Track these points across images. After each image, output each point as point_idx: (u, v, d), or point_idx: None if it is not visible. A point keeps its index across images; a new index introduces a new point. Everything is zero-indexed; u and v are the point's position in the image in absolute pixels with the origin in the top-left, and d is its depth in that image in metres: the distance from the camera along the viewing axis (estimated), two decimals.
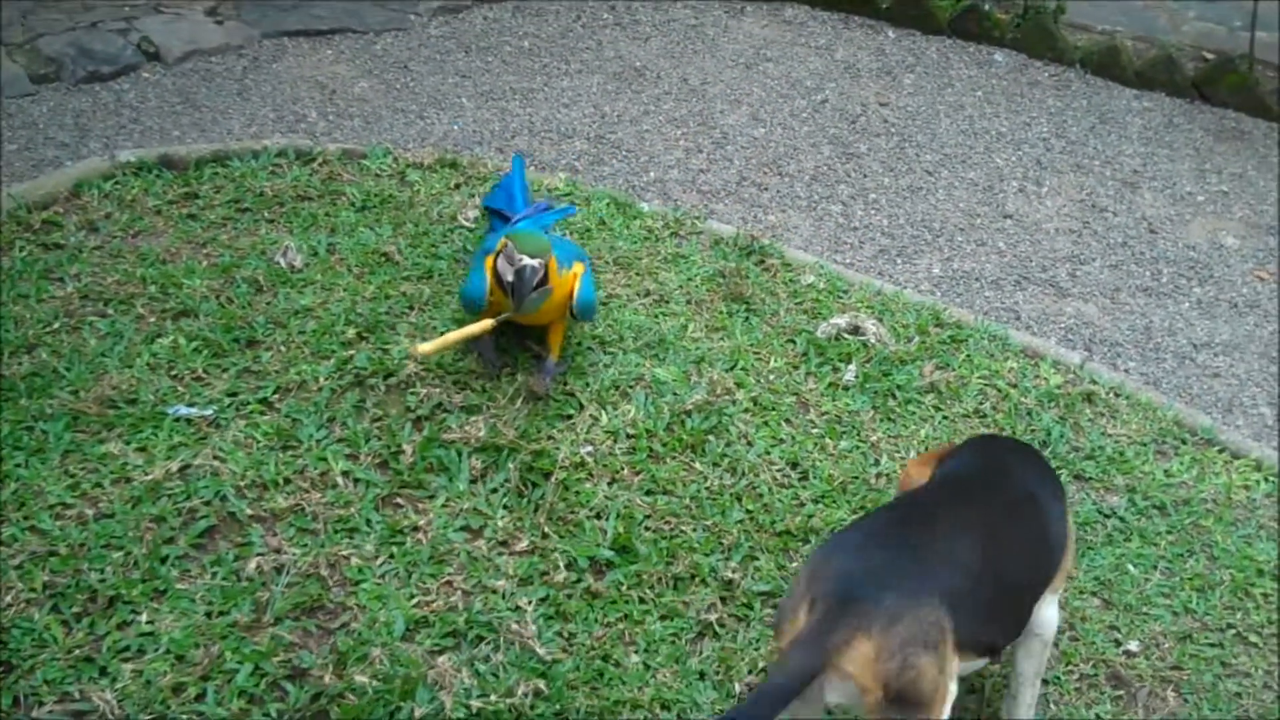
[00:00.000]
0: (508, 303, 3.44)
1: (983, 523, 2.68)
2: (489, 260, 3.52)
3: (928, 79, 6.92)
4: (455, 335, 3.43)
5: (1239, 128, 6.88)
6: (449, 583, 2.99)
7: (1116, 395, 4.17)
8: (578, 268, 3.59)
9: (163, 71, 5.78)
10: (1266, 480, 3.92)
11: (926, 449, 3.74)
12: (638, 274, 4.31)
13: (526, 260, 3.35)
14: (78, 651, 2.70)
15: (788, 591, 2.58)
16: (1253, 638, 3.34)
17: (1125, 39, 7.50)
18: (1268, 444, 4.29)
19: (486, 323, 3.47)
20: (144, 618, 2.78)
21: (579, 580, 3.07)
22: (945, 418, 3.85)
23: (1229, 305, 5.20)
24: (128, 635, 2.75)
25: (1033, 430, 3.88)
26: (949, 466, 2.91)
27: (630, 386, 3.70)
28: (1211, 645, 3.29)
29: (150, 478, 3.11)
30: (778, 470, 3.54)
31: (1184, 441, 4.01)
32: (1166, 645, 3.26)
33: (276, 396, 3.44)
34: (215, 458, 3.21)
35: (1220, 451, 4.03)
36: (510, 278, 3.37)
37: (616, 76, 6.34)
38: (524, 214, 3.90)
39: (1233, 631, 3.35)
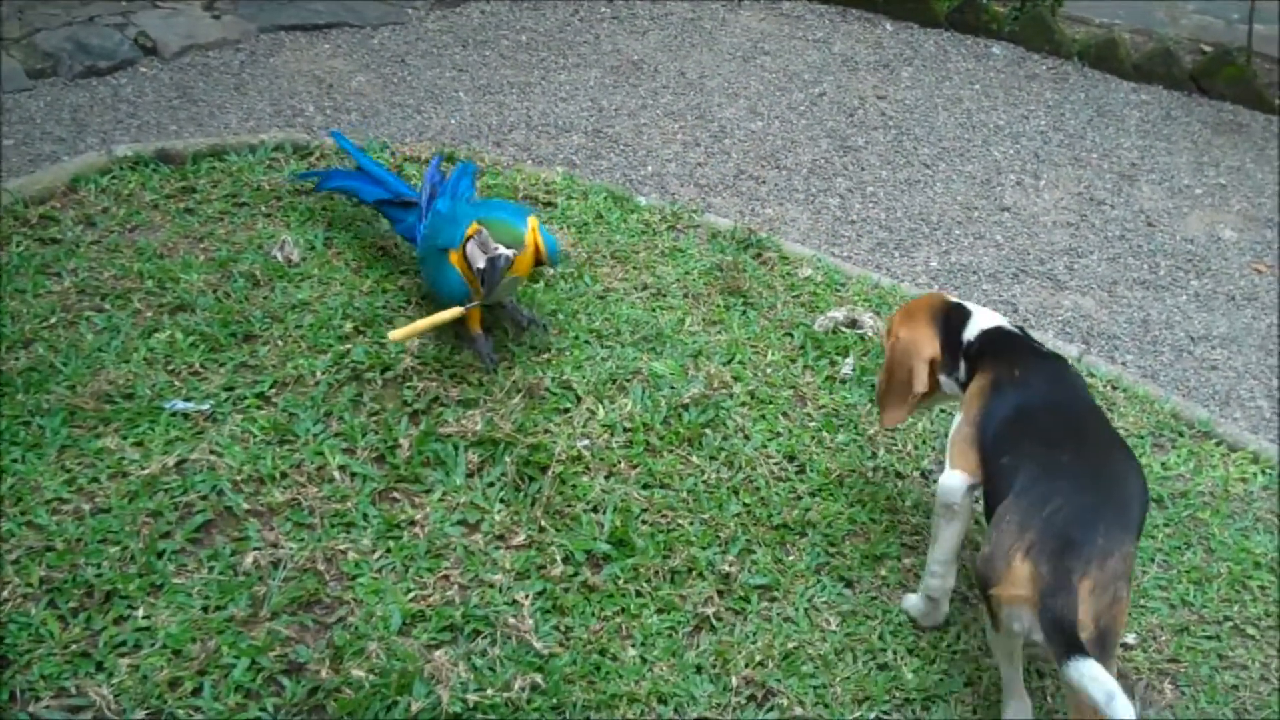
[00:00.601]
0: (476, 289, 3.49)
1: (1113, 458, 2.94)
2: (454, 255, 3.53)
3: (925, 72, 6.92)
4: (426, 322, 3.46)
5: (1237, 120, 6.88)
6: (445, 577, 2.99)
7: (1114, 388, 4.17)
8: (531, 222, 3.61)
9: (160, 66, 5.78)
10: (1264, 473, 3.92)
11: (924, 440, 3.74)
12: (635, 268, 4.31)
13: (501, 250, 3.40)
14: (74, 646, 2.70)
15: (987, 545, 2.72)
16: (1250, 630, 3.34)
17: (1123, 32, 7.50)
18: (1265, 436, 4.29)
19: (455, 310, 3.52)
20: (140, 612, 2.78)
21: (576, 574, 3.07)
22: (943, 411, 3.85)
23: (1226, 298, 5.20)
24: (124, 630, 2.75)
25: None
26: (1036, 393, 3.06)
27: (627, 380, 3.70)
28: (1209, 638, 3.29)
29: (147, 472, 3.10)
30: (775, 463, 3.54)
31: (1181, 434, 4.01)
32: (1164, 638, 3.26)
33: (273, 391, 3.44)
34: (212, 452, 3.20)
35: (1218, 444, 4.03)
36: (482, 264, 3.40)
37: (614, 70, 6.34)
38: (427, 192, 3.91)
39: (1230, 624, 3.35)
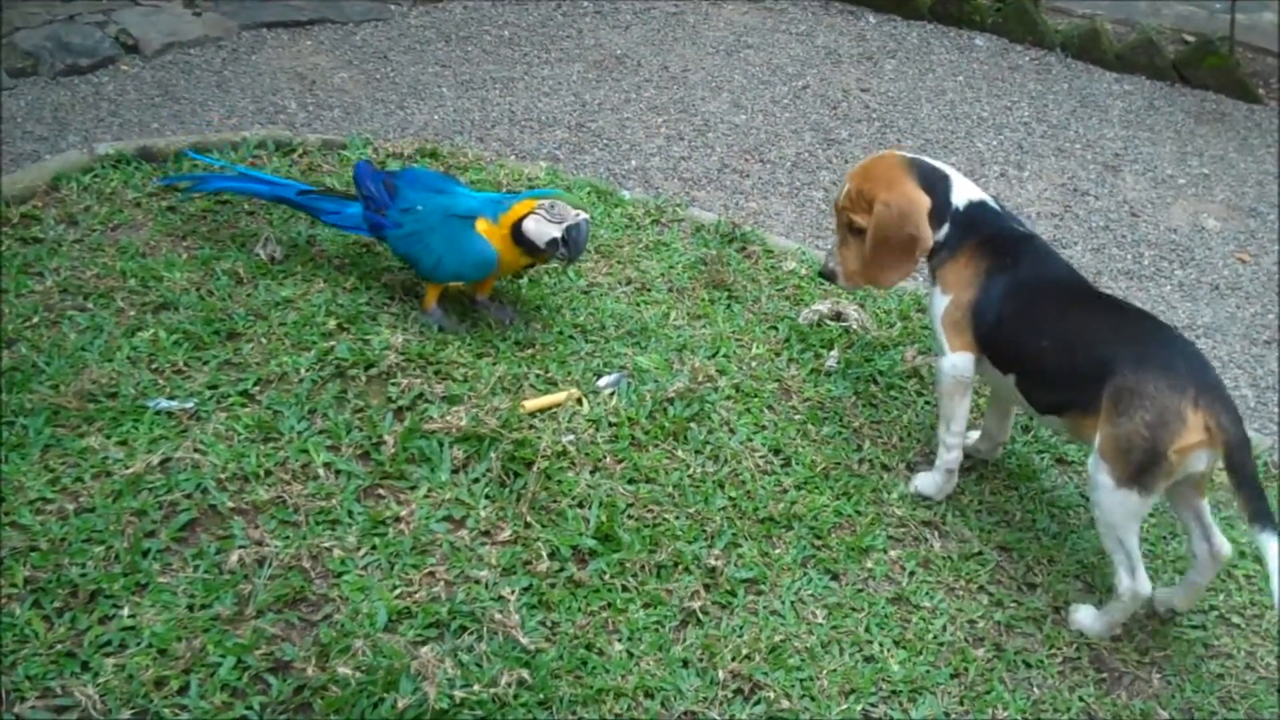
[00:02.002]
0: (520, 262, 3.75)
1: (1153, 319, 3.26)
2: (482, 224, 3.67)
3: (909, 64, 6.92)
4: (550, 399, 3.58)
5: (1219, 110, 6.90)
6: (431, 573, 2.99)
7: None
8: (517, 207, 3.72)
9: (141, 64, 5.78)
10: None
11: (909, 433, 3.74)
12: (619, 262, 4.31)
13: (581, 214, 3.65)
14: (59, 646, 2.68)
15: (1146, 407, 2.93)
16: (1235, 619, 3.35)
17: (1105, 22, 7.51)
18: (1250, 426, 4.29)
19: (573, 391, 3.62)
20: (125, 612, 2.77)
21: (562, 569, 3.06)
22: (928, 403, 3.85)
23: (1210, 288, 5.22)
24: (109, 630, 2.73)
25: (1017, 414, 3.88)
26: (1047, 276, 3.31)
27: (612, 374, 3.69)
28: (1194, 627, 3.30)
29: (131, 471, 3.09)
30: (760, 457, 3.54)
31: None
32: (1150, 627, 3.27)
33: (257, 388, 3.43)
34: (196, 450, 3.19)
35: None
36: (558, 233, 3.60)
37: (597, 65, 6.34)
38: (375, 185, 3.89)
39: (1215, 613, 3.36)
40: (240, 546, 2.96)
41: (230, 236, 4.06)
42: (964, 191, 3.39)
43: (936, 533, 3.43)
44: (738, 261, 4.43)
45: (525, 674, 2.75)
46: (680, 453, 3.48)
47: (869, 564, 3.27)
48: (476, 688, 2.70)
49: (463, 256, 3.68)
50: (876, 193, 3.32)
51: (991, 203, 3.40)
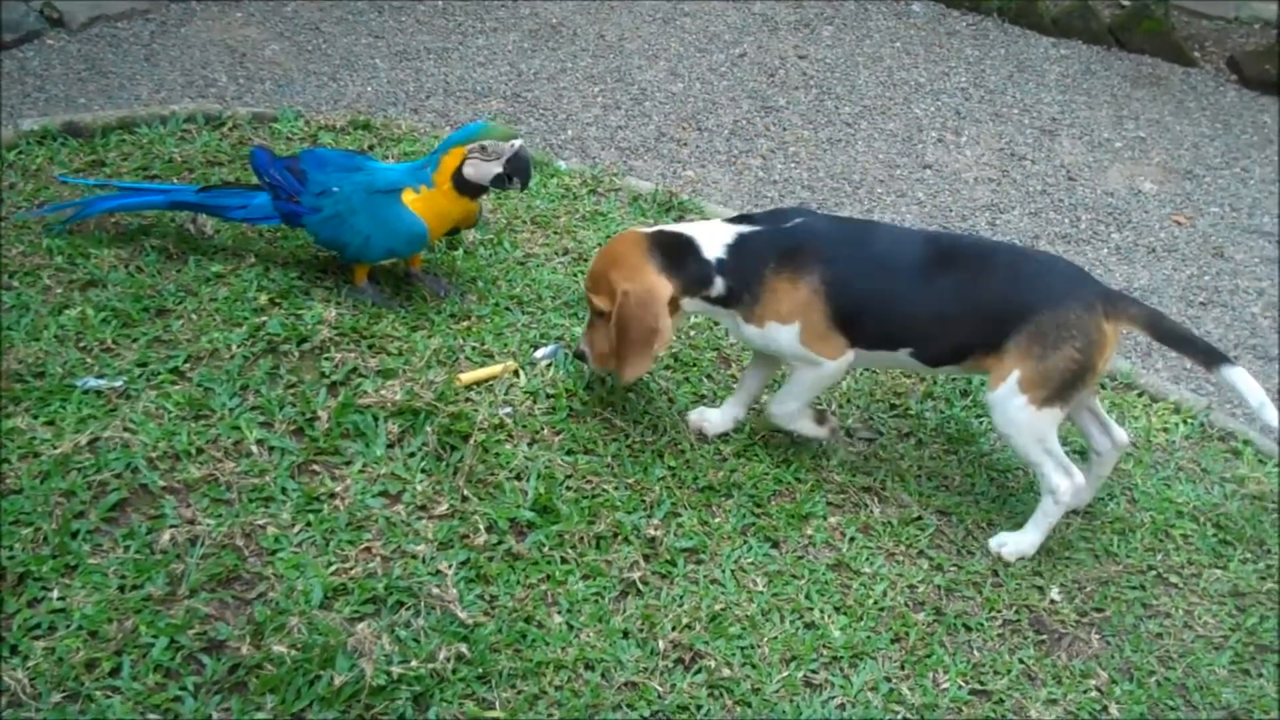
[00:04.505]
0: (473, 207, 3.72)
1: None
2: (409, 194, 3.61)
3: (846, 31, 6.91)
4: (486, 372, 3.53)
5: (1155, 74, 6.93)
6: (367, 549, 2.95)
7: None
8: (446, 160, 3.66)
9: (67, 38, 5.67)
10: (1185, 423, 3.96)
11: (849, 399, 3.74)
12: (556, 233, 4.27)
13: (515, 141, 3.58)
14: None
15: (1074, 335, 3.09)
16: (1173, 578, 3.37)
17: None
18: (1186, 387, 4.33)
19: (509, 364, 3.58)
20: (55, 594, 2.72)
21: (500, 542, 3.04)
22: (865, 370, 3.85)
23: (1147, 250, 5.24)
24: (38, 612, 2.69)
25: (952, 380, 3.88)
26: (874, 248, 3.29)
27: (549, 345, 3.67)
28: (1132, 588, 3.32)
29: (59, 451, 3.04)
30: None
31: (1103, 386, 4.03)
32: (1089, 589, 3.28)
33: (188, 365, 3.38)
34: (126, 429, 3.14)
35: (1140, 395, 4.06)
36: (499, 169, 3.58)
37: (532, 34, 6.29)
38: (277, 173, 3.77)
39: (1153, 573, 3.37)
40: (172, 526, 2.91)
41: (159, 211, 3.99)
42: (714, 240, 3.26)
43: (876, 498, 3.42)
44: None
45: (464, 648, 2.73)
46: (619, 422, 3.45)
47: (809, 531, 3.26)
48: (414, 663, 2.67)
49: (393, 232, 3.62)
50: (618, 280, 3.23)
51: (747, 228, 3.28)
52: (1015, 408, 3.14)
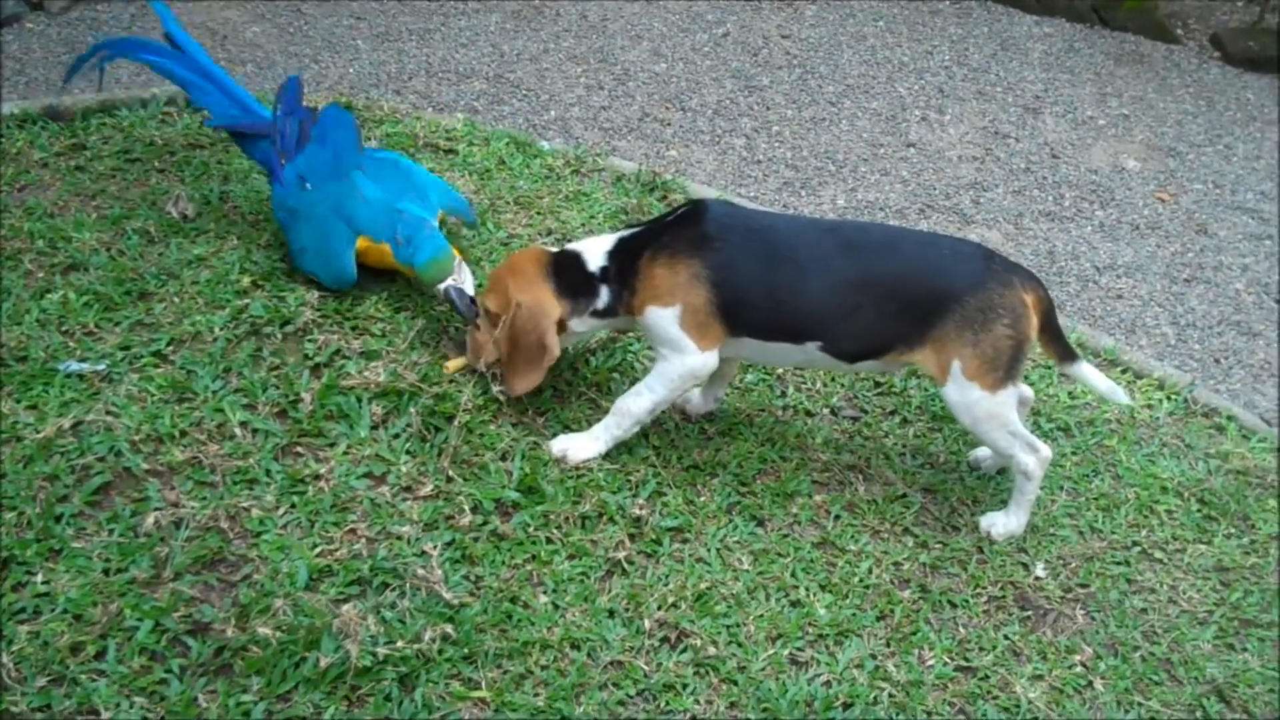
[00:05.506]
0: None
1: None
2: (363, 242, 3.55)
3: (829, 9, 6.90)
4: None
5: (1138, 51, 6.93)
6: (352, 530, 2.95)
7: None
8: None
9: (47, 21, 5.64)
10: (1169, 399, 3.96)
11: (834, 378, 3.74)
12: (539, 213, 4.26)
13: (445, 283, 3.48)
14: None
15: (1000, 313, 3.09)
16: (1157, 554, 3.38)
17: None
18: (1170, 363, 4.34)
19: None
20: (40, 578, 2.72)
21: (485, 523, 3.03)
22: None
23: (1130, 227, 5.25)
24: (23, 597, 2.68)
25: None
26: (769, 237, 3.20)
27: None
28: (1117, 563, 3.33)
29: (42, 436, 3.03)
30: None
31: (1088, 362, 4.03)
32: (1073, 565, 3.29)
33: (171, 349, 3.37)
34: (109, 413, 3.13)
35: (1124, 372, 4.07)
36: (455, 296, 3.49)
37: (515, 15, 6.27)
38: (293, 128, 3.77)
39: (1138, 549, 3.38)
40: (156, 509, 2.91)
41: (140, 195, 3.98)
42: (597, 250, 3.25)
43: (861, 476, 3.42)
44: (659, 210, 4.40)
45: (449, 629, 2.73)
46: (603, 403, 3.45)
47: (794, 509, 3.26)
48: (400, 644, 2.67)
49: (325, 263, 3.58)
50: (515, 289, 3.23)
51: (627, 232, 3.27)
52: (974, 399, 3.12)
